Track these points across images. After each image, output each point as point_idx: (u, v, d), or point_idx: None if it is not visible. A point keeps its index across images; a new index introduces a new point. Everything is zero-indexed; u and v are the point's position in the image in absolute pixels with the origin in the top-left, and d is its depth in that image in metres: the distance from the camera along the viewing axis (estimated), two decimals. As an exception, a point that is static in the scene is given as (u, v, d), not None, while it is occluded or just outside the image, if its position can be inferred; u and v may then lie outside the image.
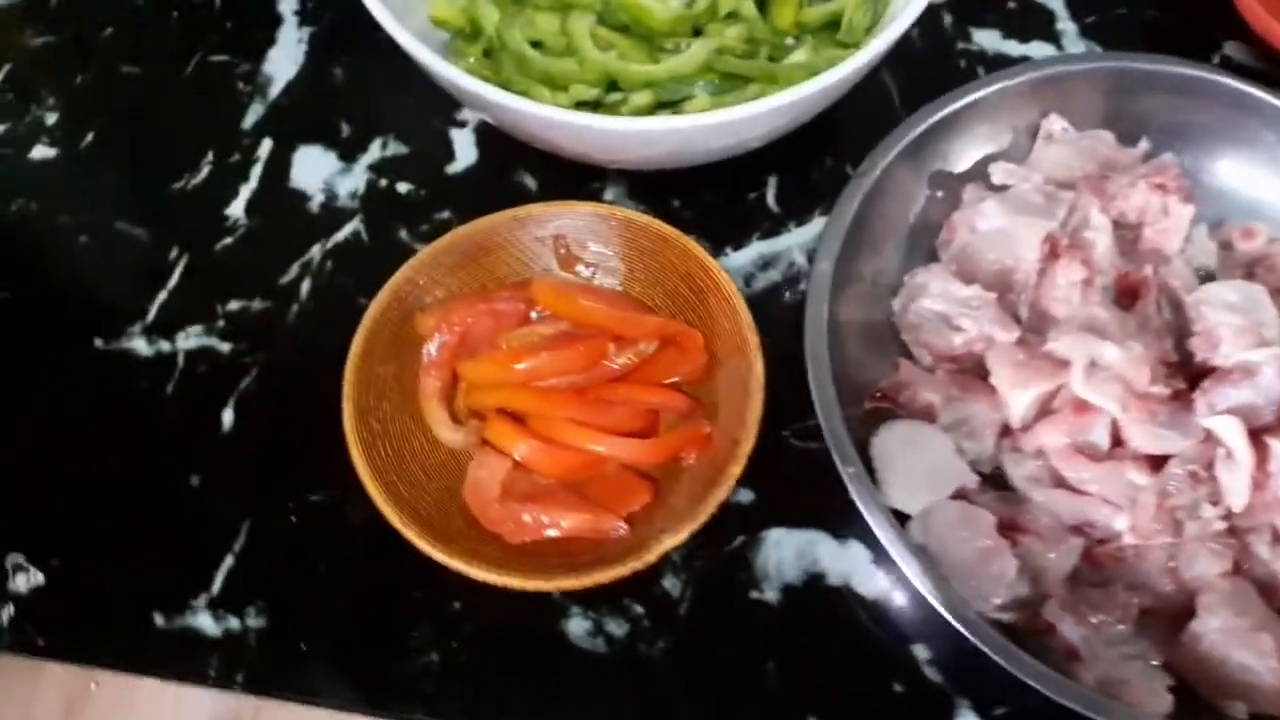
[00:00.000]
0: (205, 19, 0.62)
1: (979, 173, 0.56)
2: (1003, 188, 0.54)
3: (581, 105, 0.49)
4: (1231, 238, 0.54)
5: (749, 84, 0.48)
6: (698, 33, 0.51)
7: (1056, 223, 0.52)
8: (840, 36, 0.50)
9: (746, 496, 0.49)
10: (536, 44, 0.50)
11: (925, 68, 0.61)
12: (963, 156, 0.55)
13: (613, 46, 0.49)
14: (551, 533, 0.44)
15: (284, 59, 0.61)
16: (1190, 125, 0.55)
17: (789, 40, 0.51)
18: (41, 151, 0.58)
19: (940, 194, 0.55)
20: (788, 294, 0.55)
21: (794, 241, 0.56)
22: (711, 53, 0.48)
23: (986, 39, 0.62)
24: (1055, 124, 0.55)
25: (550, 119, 0.44)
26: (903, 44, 0.49)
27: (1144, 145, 0.55)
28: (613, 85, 0.49)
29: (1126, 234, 0.53)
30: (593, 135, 0.44)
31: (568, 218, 0.51)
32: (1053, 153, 0.55)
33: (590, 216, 0.51)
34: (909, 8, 0.46)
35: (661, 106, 0.49)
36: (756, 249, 0.56)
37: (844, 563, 0.48)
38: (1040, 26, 0.63)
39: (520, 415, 0.48)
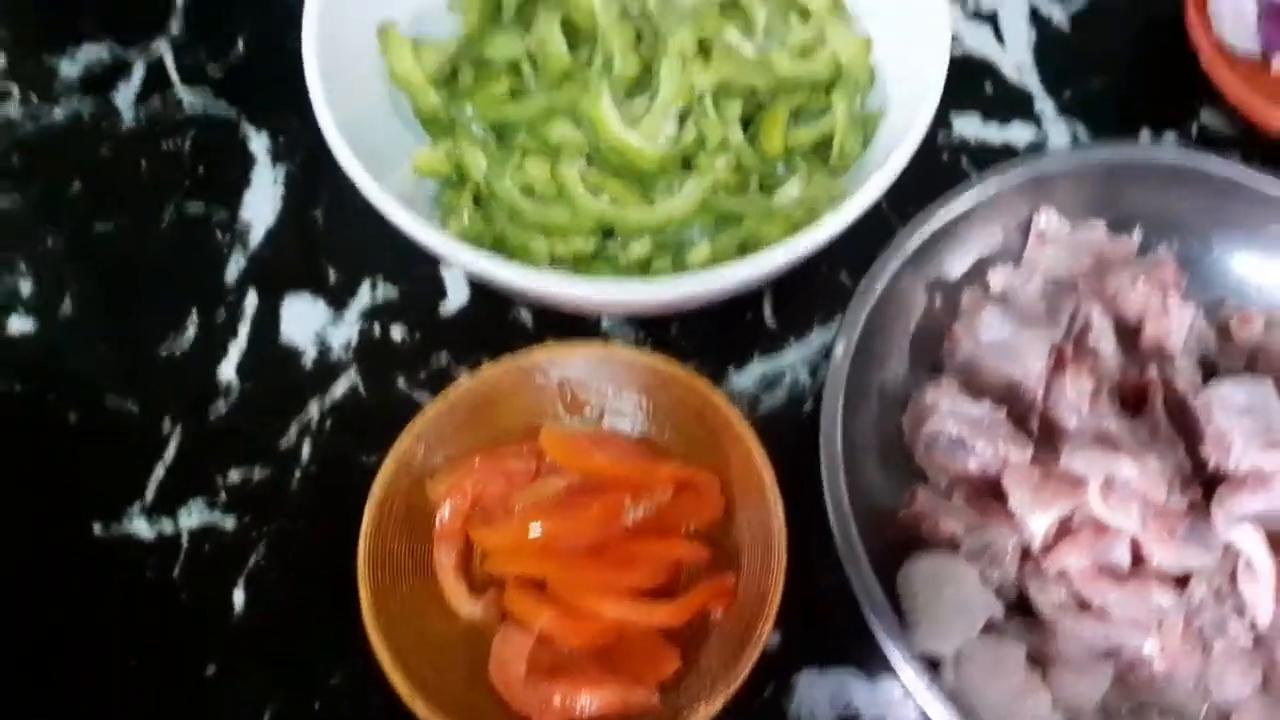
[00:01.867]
0: (175, 163, 0.61)
1: (976, 274, 0.56)
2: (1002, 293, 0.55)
3: (580, 256, 0.48)
4: (1230, 324, 0.54)
5: (744, 220, 0.47)
6: (688, 163, 0.50)
7: (1060, 331, 0.52)
8: (832, 163, 0.49)
9: (774, 640, 0.48)
10: (527, 189, 0.49)
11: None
12: (959, 261, 0.55)
13: (604, 190, 0.49)
14: (583, 711, 0.44)
15: (261, 202, 0.59)
16: (1182, 210, 0.55)
17: (779, 167, 0.50)
18: (19, 325, 0.57)
19: (939, 300, 0.55)
20: (795, 414, 0.54)
21: (795, 358, 0.56)
22: (705, 191, 0.47)
23: (967, 125, 0.62)
24: (1047, 219, 0.55)
25: (544, 288, 0.43)
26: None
27: (1138, 235, 0.55)
28: (610, 231, 0.49)
29: (1127, 330, 0.54)
30: (590, 300, 0.44)
31: (570, 362, 0.50)
32: (1048, 251, 0.55)
33: (593, 358, 0.50)
34: (907, 137, 0.46)
35: (659, 247, 0.49)
36: (758, 368, 0.56)
37: (878, 703, 0.47)
38: (1019, 107, 0.63)
39: (540, 580, 0.47)
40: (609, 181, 0.49)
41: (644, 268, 0.48)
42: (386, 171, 0.49)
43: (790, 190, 0.49)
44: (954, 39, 0.63)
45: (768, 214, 0.47)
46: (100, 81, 0.63)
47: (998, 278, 0.54)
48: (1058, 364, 0.50)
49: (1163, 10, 0.63)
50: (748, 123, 0.52)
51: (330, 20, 0.49)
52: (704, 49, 0.52)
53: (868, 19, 0.54)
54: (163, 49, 0.64)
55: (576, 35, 0.52)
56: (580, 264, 0.48)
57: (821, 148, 0.51)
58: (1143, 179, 0.55)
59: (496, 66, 0.51)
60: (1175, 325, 0.52)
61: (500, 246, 0.49)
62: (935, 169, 0.61)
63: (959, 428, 0.50)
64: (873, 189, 0.44)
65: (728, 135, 0.49)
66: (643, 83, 0.51)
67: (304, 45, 0.48)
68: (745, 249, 0.48)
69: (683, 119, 0.49)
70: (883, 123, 0.50)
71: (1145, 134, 0.62)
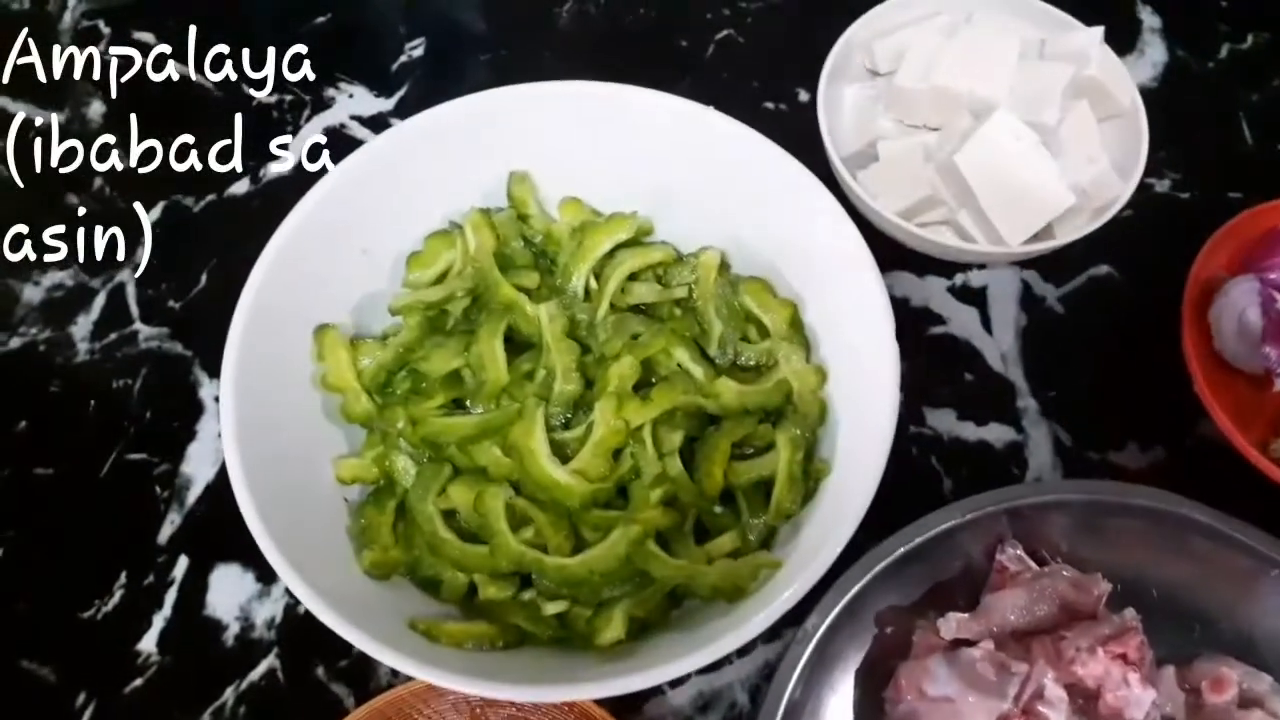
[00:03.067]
0: (123, 406, 0.60)
1: (934, 600, 0.53)
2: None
3: (497, 601, 0.46)
4: (1202, 686, 0.51)
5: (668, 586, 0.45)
6: (623, 490, 0.48)
7: (1008, 702, 0.48)
8: (769, 519, 0.47)
9: None
10: (450, 515, 0.48)
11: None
12: (915, 588, 0.52)
13: (532, 521, 0.47)
14: None
15: (203, 458, 0.58)
16: (1158, 557, 0.52)
17: (718, 507, 0.48)
18: (-58, 574, 0.56)
19: (890, 628, 0.52)
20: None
21: (735, 676, 0.53)
22: (632, 543, 0.45)
23: (941, 420, 0.59)
24: (1011, 557, 0.52)
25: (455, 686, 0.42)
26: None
27: (1106, 585, 0.52)
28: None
29: (1085, 691, 0.50)
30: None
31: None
32: (1008, 596, 0.52)
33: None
34: (834, 534, 0.43)
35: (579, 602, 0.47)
36: (696, 685, 0.53)
37: None
38: (999, 403, 0.60)
39: None
40: (537, 513, 0.47)
41: (561, 622, 0.45)
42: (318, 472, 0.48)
43: (723, 544, 0.47)
44: (942, 322, 0.62)
45: (691, 576, 0.45)
46: (61, 310, 0.62)
47: (950, 626, 0.51)
48: (1004, 736, 0.47)
49: (1163, 290, 0.60)
50: (693, 441, 0.50)
51: (261, 318, 0.48)
52: (651, 369, 0.50)
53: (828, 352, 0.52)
54: (126, 278, 0.63)
55: (521, 343, 0.51)
56: (498, 608, 0.46)
57: (764, 485, 0.49)
58: (1119, 519, 0.52)
59: (434, 377, 0.49)
60: (1135, 701, 0.48)
61: (415, 574, 0.47)
62: (905, 466, 0.58)
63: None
64: (774, 610, 0.42)
65: (665, 468, 0.47)
66: (587, 400, 0.49)
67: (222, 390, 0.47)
68: (672, 600, 0.46)
69: (620, 449, 0.47)
70: (827, 483, 0.48)
71: (1133, 447, 0.59)
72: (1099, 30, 0.59)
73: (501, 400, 0.48)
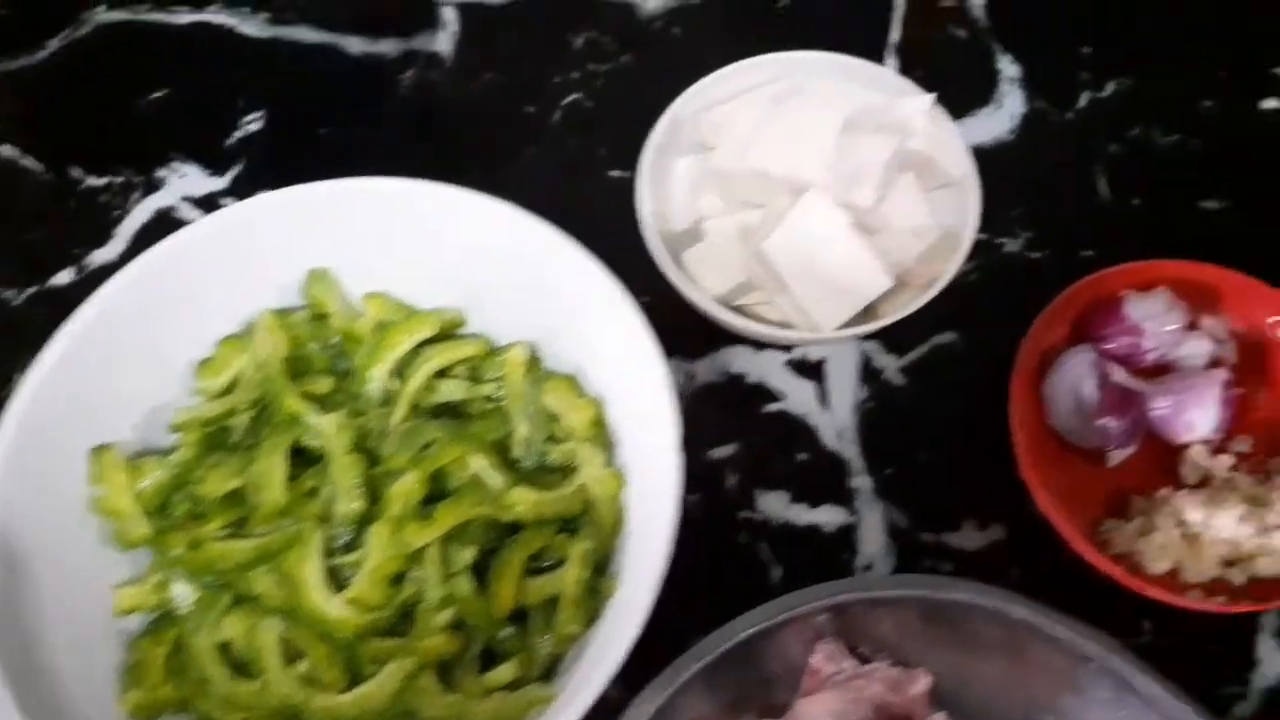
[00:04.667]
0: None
1: (748, 708, 0.51)
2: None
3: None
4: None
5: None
6: (408, 612, 0.47)
7: (811, 817, 0.47)
8: (553, 644, 0.45)
9: None
10: (225, 648, 0.46)
11: (700, 539, 0.57)
12: (728, 694, 0.50)
13: (307, 654, 0.45)
14: None
15: None
16: (983, 650, 0.50)
17: (510, 628, 0.46)
18: None
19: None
20: None
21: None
22: (406, 677, 0.43)
23: (772, 503, 0.58)
24: (825, 658, 0.51)
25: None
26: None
27: (925, 683, 0.50)
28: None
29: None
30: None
31: None
32: (819, 702, 0.50)
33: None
34: (606, 660, 0.41)
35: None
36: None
37: None
38: (833, 482, 0.58)
39: None
40: (314, 646, 0.45)
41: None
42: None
43: (503, 674, 0.45)
44: (777, 399, 0.61)
45: (460, 715, 0.43)
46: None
47: (753, 743, 0.49)
48: None
49: (1008, 359, 0.58)
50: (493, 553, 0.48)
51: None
52: (442, 479, 0.48)
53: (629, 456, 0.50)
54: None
55: (314, 455, 0.49)
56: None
57: (553, 603, 0.47)
58: (941, 614, 0.50)
59: (211, 499, 0.48)
60: (946, 810, 0.47)
61: (186, 714, 0.45)
62: (733, 555, 0.57)
63: None
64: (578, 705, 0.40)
65: (453, 590, 0.46)
66: (375, 517, 0.47)
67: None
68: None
69: (402, 573, 0.46)
70: (614, 600, 0.46)
71: (970, 527, 0.57)
72: (926, 99, 0.57)
73: (281, 522, 0.47)
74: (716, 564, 0.57)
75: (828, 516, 0.58)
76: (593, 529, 0.48)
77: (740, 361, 0.61)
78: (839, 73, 0.59)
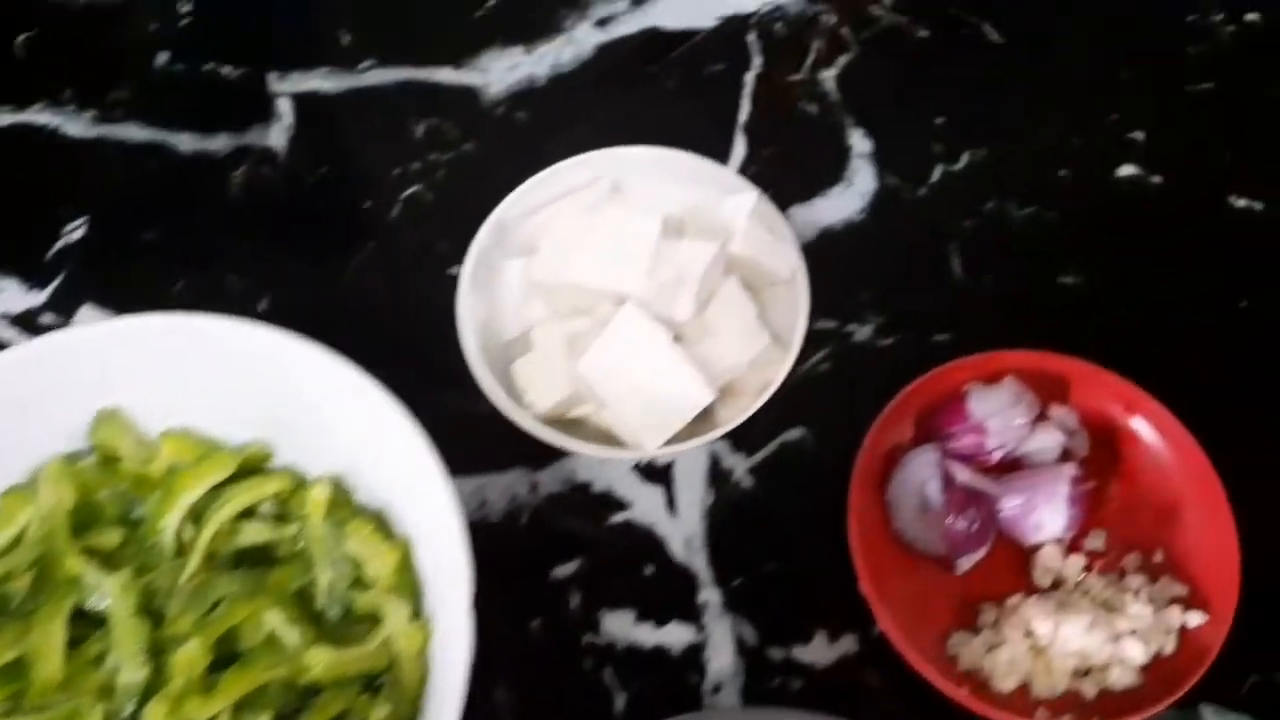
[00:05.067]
0: None
1: None
2: None
3: None
4: None
5: None
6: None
7: None
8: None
9: None
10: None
11: (541, 668, 0.54)
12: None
13: (86, 842, 0.42)
14: None
15: None
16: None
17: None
18: None
19: None
20: None
21: None
22: None
23: (618, 625, 0.55)
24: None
25: None
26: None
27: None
28: None
29: None
30: None
31: None
32: None
33: None
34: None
35: None
36: None
37: None
38: (681, 598, 0.55)
39: None
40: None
41: None
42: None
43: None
44: (624, 507, 0.58)
45: None
46: None
47: None
48: None
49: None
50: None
51: None
52: (234, 638, 0.45)
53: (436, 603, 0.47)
54: None
55: (95, 621, 0.46)
56: None
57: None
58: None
59: (-15, 675, 0.44)
60: None
61: None
62: (577, 683, 0.54)
63: None
64: None
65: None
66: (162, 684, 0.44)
67: None
68: None
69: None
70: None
71: (821, 639, 0.54)
72: (749, 198, 0.55)
73: (58, 698, 0.44)
74: (559, 693, 0.54)
75: (675, 635, 0.55)
76: (395, 690, 0.45)
77: (586, 469, 0.59)
78: (665, 169, 0.57)
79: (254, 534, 0.50)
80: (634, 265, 0.51)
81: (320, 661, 0.45)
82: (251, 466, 0.51)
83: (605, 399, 0.50)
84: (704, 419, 0.55)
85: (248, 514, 0.50)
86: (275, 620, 0.46)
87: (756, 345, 0.53)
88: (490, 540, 0.57)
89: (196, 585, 0.46)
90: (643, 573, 0.57)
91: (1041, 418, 0.57)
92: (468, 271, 0.55)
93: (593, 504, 0.58)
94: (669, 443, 0.52)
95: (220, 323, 0.49)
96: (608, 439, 0.53)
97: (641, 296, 0.51)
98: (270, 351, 0.49)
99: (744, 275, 0.54)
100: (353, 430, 0.48)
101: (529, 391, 0.54)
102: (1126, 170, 0.68)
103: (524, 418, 0.51)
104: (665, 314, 0.51)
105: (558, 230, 0.53)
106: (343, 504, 0.49)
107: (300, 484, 0.51)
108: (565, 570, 0.56)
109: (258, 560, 0.50)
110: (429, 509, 0.45)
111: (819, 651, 0.54)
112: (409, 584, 0.47)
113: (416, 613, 0.47)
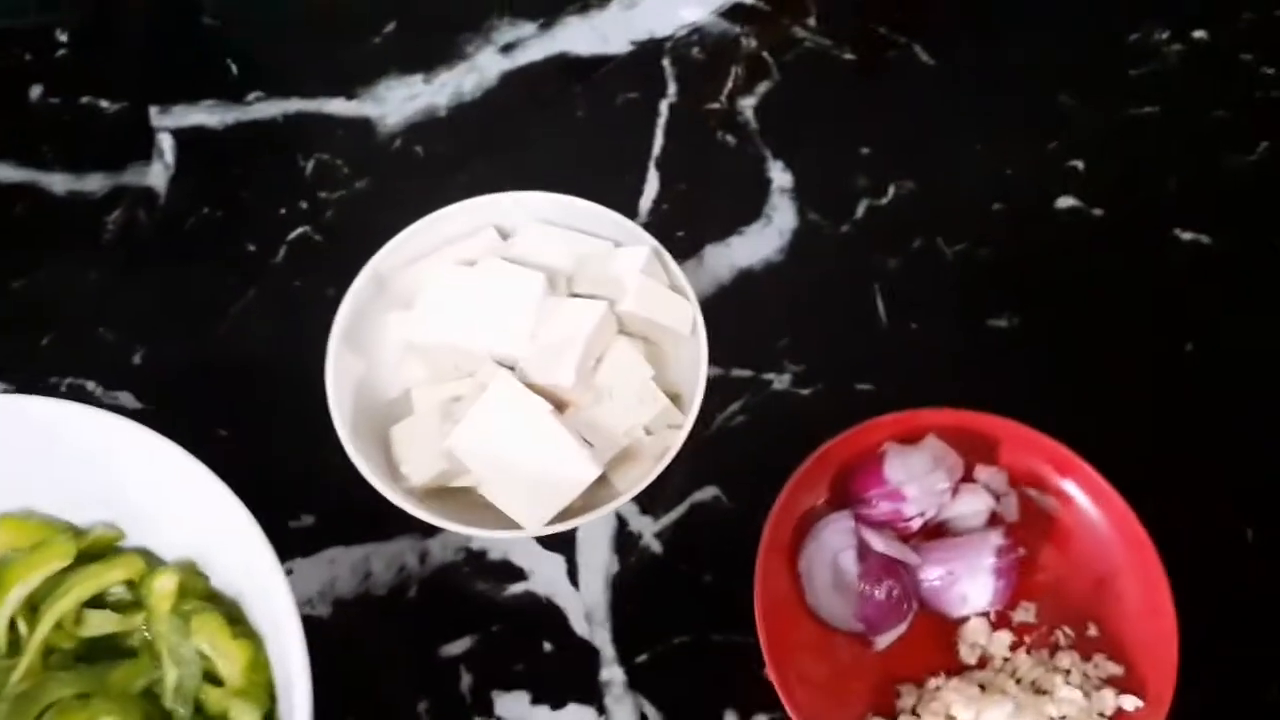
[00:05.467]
0: None
1: None
2: None
3: None
4: None
5: None
6: None
7: None
8: None
9: None
10: None
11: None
12: None
13: None
14: None
15: None
16: None
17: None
18: None
19: None
20: None
21: None
22: None
23: (513, 707, 0.50)
24: None
25: None
26: None
27: None
28: None
29: None
30: None
31: None
32: None
33: None
34: None
35: None
36: None
37: None
38: (581, 677, 0.51)
39: None
40: None
41: None
42: None
43: None
44: (523, 578, 0.53)
45: None
46: None
47: None
48: None
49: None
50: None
51: None
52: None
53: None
54: None
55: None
56: None
57: None
58: None
59: None
60: None
61: None
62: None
63: None
64: None
65: None
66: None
67: None
68: None
69: None
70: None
71: (731, 718, 0.50)
72: (639, 253, 0.50)
73: None
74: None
75: (574, 718, 0.51)
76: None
77: (482, 537, 0.54)
78: (558, 216, 0.53)
79: (102, 623, 0.45)
80: (515, 326, 0.47)
81: (158, 777, 0.41)
82: (98, 551, 0.47)
83: (482, 475, 0.46)
84: (602, 486, 0.51)
85: (97, 602, 0.46)
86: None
87: (652, 408, 0.49)
88: (374, 616, 0.54)
89: (25, 690, 0.42)
90: (541, 649, 0.52)
91: (967, 479, 0.53)
92: (339, 327, 0.50)
93: (488, 573, 0.54)
94: (558, 519, 0.47)
95: (49, 405, 0.44)
96: (496, 513, 0.49)
97: (524, 360, 0.47)
98: (102, 436, 0.45)
99: (640, 332, 0.50)
100: (199, 516, 0.44)
101: (406, 461, 0.49)
102: (1065, 202, 0.64)
103: (394, 491, 0.47)
104: (549, 379, 0.47)
105: (435, 286, 0.49)
106: (193, 593, 0.45)
107: (150, 570, 0.46)
108: (456, 648, 0.52)
109: (113, 653, 0.46)
110: (271, 606, 0.41)
111: (725, 736, 0.51)
112: (261, 684, 0.43)
113: (268, 716, 0.43)
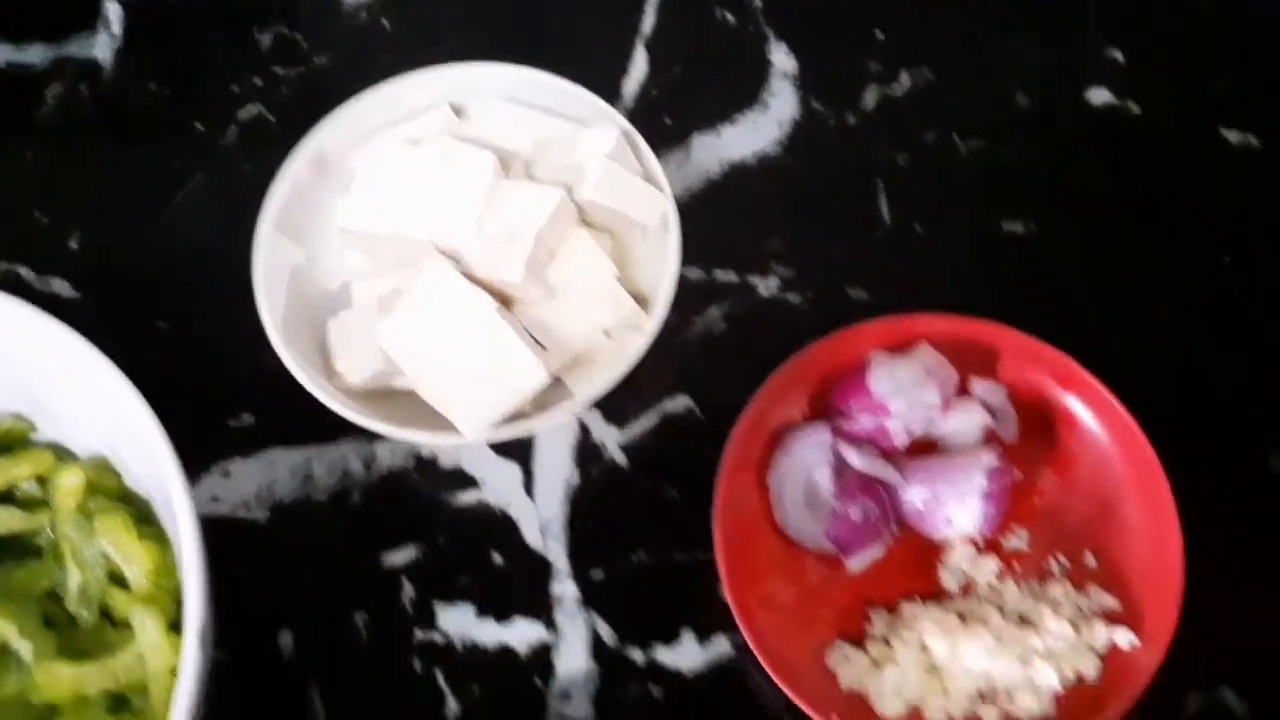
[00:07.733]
0: None
1: None
2: None
3: None
4: None
5: None
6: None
7: None
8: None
9: None
10: None
11: (364, 670, 0.47)
12: None
13: None
14: None
15: None
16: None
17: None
18: None
19: None
20: None
21: None
22: None
23: (456, 619, 0.47)
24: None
25: None
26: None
27: None
28: None
29: None
30: None
31: None
32: None
33: None
34: None
35: None
36: None
37: None
38: (531, 592, 0.47)
39: None
40: None
41: None
42: None
43: None
44: (475, 486, 0.50)
45: None
46: None
47: None
48: None
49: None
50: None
51: None
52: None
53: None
54: None
55: None
56: None
57: None
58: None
59: None
60: None
61: None
62: (404, 687, 0.46)
63: None
64: None
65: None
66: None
67: None
68: None
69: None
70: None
71: (689, 639, 0.46)
72: (608, 135, 0.45)
73: None
74: (384, 698, 0.47)
75: (522, 634, 0.47)
76: (143, 713, 0.38)
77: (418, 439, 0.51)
78: (522, 93, 0.47)
79: (6, 520, 0.42)
80: (460, 213, 0.42)
81: (56, 681, 0.38)
82: (6, 444, 0.44)
83: (415, 374, 0.41)
84: (561, 392, 0.46)
85: (4, 499, 0.43)
86: (9, 631, 0.39)
87: (614, 310, 0.44)
88: (314, 522, 0.51)
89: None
90: (490, 561, 0.49)
91: (962, 392, 0.48)
92: (272, 211, 0.46)
93: (438, 481, 0.50)
94: (506, 425, 0.43)
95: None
96: (442, 418, 0.45)
97: (469, 250, 0.43)
98: (11, 326, 0.41)
99: (605, 225, 0.45)
100: (108, 412, 0.41)
101: (341, 358, 0.45)
102: (1099, 96, 0.57)
103: (324, 390, 0.43)
104: (495, 274, 0.42)
105: (376, 167, 0.44)
106: (104, 492, 0.42)
107: (59, 465, 0.43)
108: (399, 557, 0.49)
109: (21, 552, 0.43)
110: (174, 509, 0.38)
111: (686, 655, 0.47)
112: (169, 589, 0.40)
113: (176, 624, 0.40)
